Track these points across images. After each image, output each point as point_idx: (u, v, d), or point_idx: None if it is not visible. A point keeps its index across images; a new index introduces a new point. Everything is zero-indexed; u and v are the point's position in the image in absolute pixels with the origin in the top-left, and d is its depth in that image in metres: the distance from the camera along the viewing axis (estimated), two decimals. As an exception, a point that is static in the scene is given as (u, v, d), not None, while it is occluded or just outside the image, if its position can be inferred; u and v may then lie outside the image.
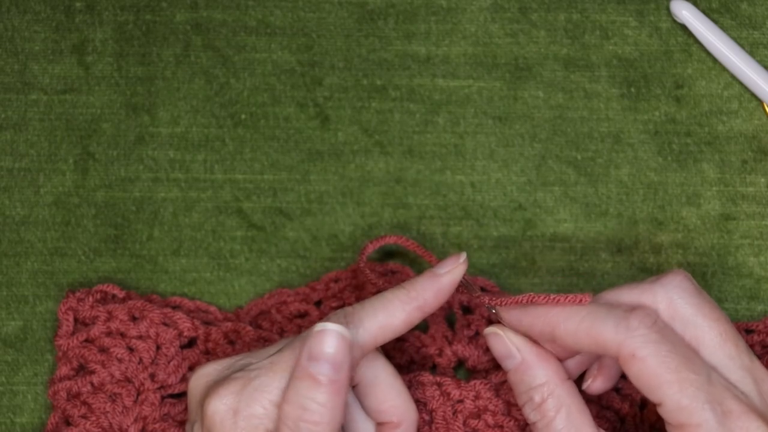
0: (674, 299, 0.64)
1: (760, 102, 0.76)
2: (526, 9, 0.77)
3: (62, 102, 0.77)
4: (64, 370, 0.71)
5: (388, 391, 0.66)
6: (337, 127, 0.76)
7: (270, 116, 0.76)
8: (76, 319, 0.72)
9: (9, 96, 0.77)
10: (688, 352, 0.62)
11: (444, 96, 0.76)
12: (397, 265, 0.73)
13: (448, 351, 0.71)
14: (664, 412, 0.62)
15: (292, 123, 0.76)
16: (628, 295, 0.64)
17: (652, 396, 0.61)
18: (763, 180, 0.75)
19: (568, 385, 0.65)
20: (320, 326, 0.62)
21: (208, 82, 0.77)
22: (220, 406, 0.62)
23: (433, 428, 0.69)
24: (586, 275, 0.74)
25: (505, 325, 0.66)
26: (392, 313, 0.65)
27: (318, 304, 0.73)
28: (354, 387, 0.66)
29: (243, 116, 0.76)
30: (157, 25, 0.77)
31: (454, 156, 0.76)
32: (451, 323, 0.73)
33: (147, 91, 0.77)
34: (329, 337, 0.62)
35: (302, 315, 0.73)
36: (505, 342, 0.65)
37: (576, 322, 0.63)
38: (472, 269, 0.75)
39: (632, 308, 0.63)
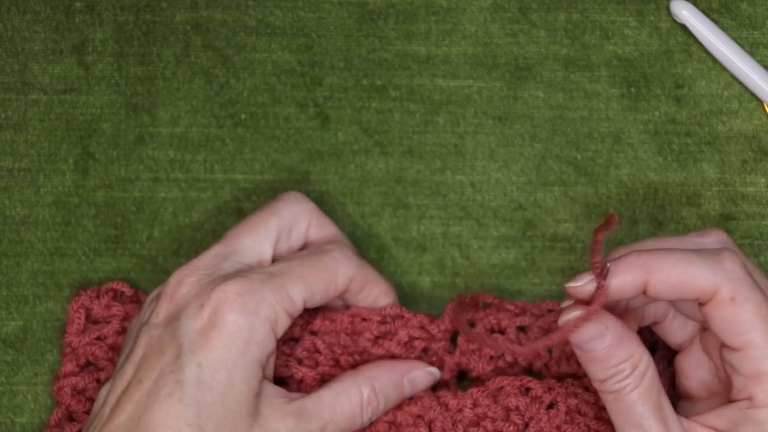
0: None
1: (760, 102, 0.76)
2: (526, 9, 0.77)
3: (62, 102, 0.77)
4: (69, 366, 0.71)
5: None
6: (337, 127, 0.76)
7: (270, 116, 0.76)
8: (87, 317, 0.72)
9: (9, 96, 0.77)
10: None
11: (444, 96, 0.76)
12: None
13: (450, 362, 0.71)
14: (742, 358, 0.62)
15: (292, 123, 0.76)
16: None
17: (735, 341, 0.61)
18: (763, 180, 0.75)
19: (651, 358, 0.64)
20: (434, 371, 0.70)
21: (208, 82, 0.77)
22: (235, 300, 0.64)
23: None
24: (586, 275, 0.74)
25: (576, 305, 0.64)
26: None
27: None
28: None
29: (243, 116, 0.76)
30: (157, 25, 0.77)
31: (454, 156, 0.76)
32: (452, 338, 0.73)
33: (147, 91, 0.77)
34: (431, 381, 0.71)
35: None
36: (593, 324, 0.62)
37: (669, 269, 0.62)
38: (473, 269, 0.75)
39: (718, 250, 0.63)
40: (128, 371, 0.65)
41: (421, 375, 0.70)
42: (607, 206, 0.75)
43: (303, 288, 0.66)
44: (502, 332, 0.71)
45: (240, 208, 0.75)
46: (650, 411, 0.63)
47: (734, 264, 0.62)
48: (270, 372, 0.66)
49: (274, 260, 0.68)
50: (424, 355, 0.71)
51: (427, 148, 0.76)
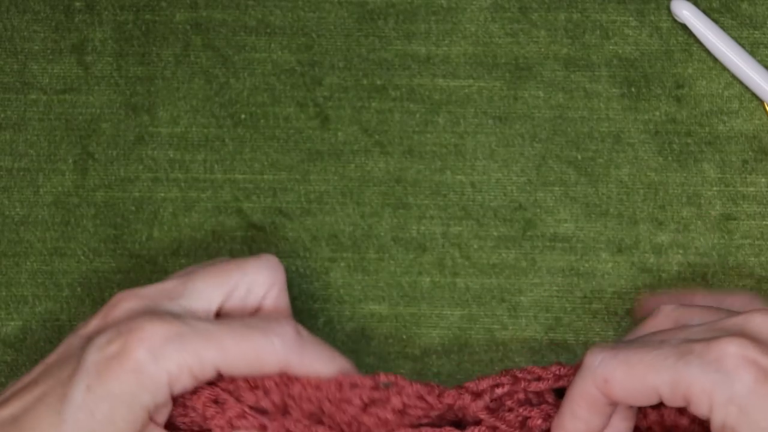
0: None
1: (760, 102, 0.76)
2: (526, 9, 0.77)
3: (62, 102, 0.77)
4: None
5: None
6: (337, 127, 0.76)
7: (270, 116, 0.76)
8: None
9: (8, 96, 0.77)
10: (642, 342, 0.61)
11: (444, 96, 0.76)
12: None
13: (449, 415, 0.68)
14: (669, 401, 0.59)
15: (292, 123, 0.76)
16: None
17: (650, 399, 0.60)
18: (763, 180, 0.75)
19: None
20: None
21: (208, 82, 0.77)
22: (146, 340, 0.63)
23: None
24: (586, 275, 0.74)
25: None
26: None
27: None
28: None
29: (243, 116, 0.76)
30: (156, 25, 0.77)
31: (454, 156, 0.76)
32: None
33: (147, 91, 0.77)
34: None
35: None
36: None
37: (564, 408, 0.63)
38: (473, 269, 0.75)
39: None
40: (36, 370, 0.65)
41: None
42: (607, 206, 0.75)
43: (218, 356, 0.64)
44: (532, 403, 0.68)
45: (240, 208, 0.75)
46: None
47: (591, 354, 0.61)
48: (162, 419, 0.65)
49: (220, 314, 0.67)
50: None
51: (427, 148, 0.76)
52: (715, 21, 0.76)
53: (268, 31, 0.77)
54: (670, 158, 0.75)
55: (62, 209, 0.76)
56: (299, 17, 0.77)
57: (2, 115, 0.77)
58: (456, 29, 0.77)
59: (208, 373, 0.64)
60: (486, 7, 0.77)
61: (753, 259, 0.74)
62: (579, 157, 0.76)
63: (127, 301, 0.66)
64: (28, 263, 0.75)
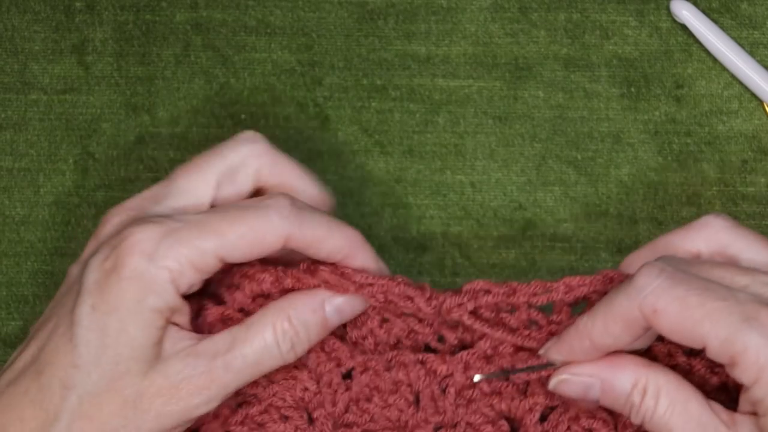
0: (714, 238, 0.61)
1: (760, 102, 0.76)
2: (526, 9, 0.77)
3: (62, 102, 0.77)
4: None
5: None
6: (337, 127, 0.76)
7: (270, 116, 0.76)
8: None
9: (9, 96, 0.77)
10: (706, 284, 0.58)
11: (444, 96, 0.76)
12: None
13: (450, 337, 0.67)
14: (713, 354, 0.58)
15: (292, 123, 0.76)
16: (653, 252, 0.62)
17: (695, 343, 0.58)
18: (763, 180, 0.75)
19: (654, 368, 0.61)
20: (359, 300, 0.65)
21: (208, 82, 0.77)
22: (139, 243, 0.62)
23: (420, 410, 0.67)
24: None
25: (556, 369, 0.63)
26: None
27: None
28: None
29: (243, 116, 0.76)
30: (157, 25, 0.77)
31: (454, 156, 0.76)
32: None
33: (147, 91, 0.77)
34: (359, 306, 0.65)
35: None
36: (576, 379, 0.62)
37: (597, 318, 0.60)
38: (473, 269, 0.75)
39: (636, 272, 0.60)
40: (49, 306, 0.65)
41: (346, 301, 0.65)
42: (607, 206, 0.75)
43: (217, 243, 0.62)
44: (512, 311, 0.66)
45: (240, 208, 0.75)
46: (682, 424, 0.60)
47: (646, 278, 0.59)
48: (183, 321, 0.64)
49: (215, 205, 0.65)
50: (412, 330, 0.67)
51: (427, 148, 0.76)
52: (715, 21, 0.76)
53: (268, 31, 0.77)
54: (669, 158, 0.76)
55: (63, 209, 0.76)
56: (299, 17, 0.77)
57: (3, 115, 0.77)
58: (456, 29, 0.77)
59: (211, 263, 0.63)
60: (486, 7, 0.77)
61: (752, 258, 0.74)
62: (579, 157, 0.76)
63: (114, 216, 0.65)
64: (28, 263, 0.75)
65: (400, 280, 0.65)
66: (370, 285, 0.65)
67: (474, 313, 0.65)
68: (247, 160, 0.65)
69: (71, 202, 0.76)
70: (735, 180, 0.75)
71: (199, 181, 0.65)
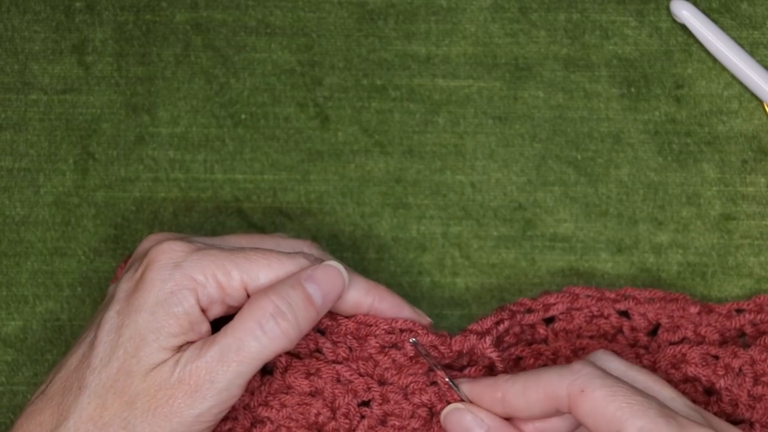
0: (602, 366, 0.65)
1: (760, 102, 0.76)
2: (526, 9, 0.77)
3: (62, 102, 0.77)
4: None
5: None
6: (337, 127, 0.76)
7: (270, 116, 0.76)
8: None
9: (9, 96, 0.77)
10: (632, 386, 0.63)
11: (444, 96, 0.76)
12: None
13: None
14: None
15: (292, 123, 0.76)
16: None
17: (610, 427, 0.61)
18: (763, 180, 0.75)
19: None
20: (334, 263, 0.66)
21: (208, 82, 0.77)
22: (167, 253, 0.64)
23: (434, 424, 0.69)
24: (586, 275, 0.74)
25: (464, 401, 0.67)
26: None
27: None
28: None
29: (243, 116, 0.76)
30: (157, 25, 0.77)
31: (454, 156, 0.76)
32: None
33: (147, 91, 0.77)
34: (337, 276, 0.66)
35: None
36: (469, 416, 0.65)
37: (519, 380, 0.64)
38: (473, 269, 0.75)
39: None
40: (86, 325, 0.68)
41: (320, 270, 0.66)
42: (606, 206, 0.75)
43: (243, 267, 0.65)
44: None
45: (240, 208, 0.75)
46: None
47: (582, 365, 0.63)
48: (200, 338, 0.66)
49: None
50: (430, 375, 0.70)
51: (427, 148, 0.76)
52: (715, 21, 0.76)
53: (268, 31, 0.77)
54: (669, 158, 0.76)
55: (62, 209, 0.76)
56: (299, 17, 0.77)
57: (3, 115, 0.77)
58: (456, 29, 0.77)
59: (235, 286, 0.65)
60: (486, 8, 0.77)
61: (752, 259, 0.74)
62: (579, 157, 0.76)
63: (152, 236, 0.68)
64: (28, 263, 0.75)
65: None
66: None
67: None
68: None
69: (71, 202, 0.76)
70: (735, 180, 0.75)
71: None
